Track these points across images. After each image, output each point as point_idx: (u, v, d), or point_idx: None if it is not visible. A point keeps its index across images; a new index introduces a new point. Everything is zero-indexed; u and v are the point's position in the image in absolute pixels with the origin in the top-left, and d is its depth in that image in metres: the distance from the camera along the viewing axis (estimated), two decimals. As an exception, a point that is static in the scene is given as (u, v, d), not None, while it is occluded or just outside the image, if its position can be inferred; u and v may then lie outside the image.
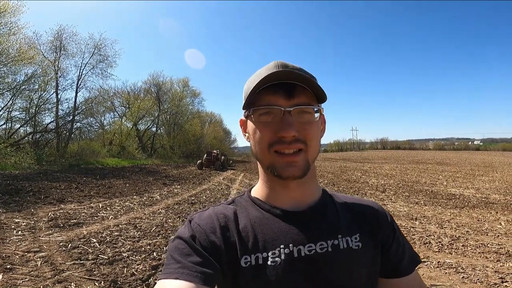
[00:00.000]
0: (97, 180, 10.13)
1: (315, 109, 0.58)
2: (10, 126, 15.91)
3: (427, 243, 3.98)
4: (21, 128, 16.41)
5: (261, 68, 0.60)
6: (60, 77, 17.45)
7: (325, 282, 0.54)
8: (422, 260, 3.39)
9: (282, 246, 0.55)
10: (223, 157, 19.41)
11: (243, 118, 0.63)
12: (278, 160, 0.55)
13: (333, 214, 0.62)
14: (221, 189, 9.84)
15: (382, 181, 10.98)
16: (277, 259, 0.54)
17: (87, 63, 19.09)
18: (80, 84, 18.80)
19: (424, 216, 5.46)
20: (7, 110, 15.10)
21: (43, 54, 16.76)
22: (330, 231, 0.59)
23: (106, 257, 3.28)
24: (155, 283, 0.50)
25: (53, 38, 17.69)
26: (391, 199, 7.20)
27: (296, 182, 0.58)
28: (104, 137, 22.58)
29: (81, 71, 18.96)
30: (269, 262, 0.53)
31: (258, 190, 0.64)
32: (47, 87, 16.54)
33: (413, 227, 4.73)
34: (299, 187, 0.60)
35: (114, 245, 3.73)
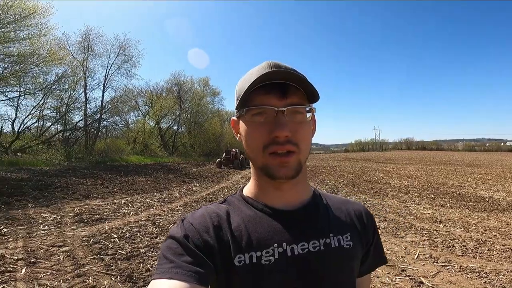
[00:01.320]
0: (121, 177, 10.53)
1: (307, 109, 0.58)
2: (42, 124, 16.89)
3: (450, 246, 3.80)
4: (52, 126, 17.37)
5: (253, 68, 0.60)
6: (88, 77, 18.26)
7: (317, 280, 0.55)
8: (443, 264, 3.24)
9: (275, 245, 0.55)
10: (241, 156, 19.51)
11: (235, 118, 0.64)
12: (271, 161, 0.55)
13: (324, 213, 0.63)
14: (239, 187, 9.87)
15: (406, 182, 10.57)
16: (271, 258, 0.54)
17: (113, 63, 19.87)
18: (106, 84, 19.60)
19: (449, 219, 5.20)
20: (39, 109, 16.02)
21: (72, 55, 17.53)
22: (322, 230, 0.60)
23: (124, 253, 3.40)
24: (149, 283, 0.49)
25: (81, 39, 18.49)
26: (414, 201, 6.92)
27: (288, 182, 0.58)
28: (129, 135, 23.43)
29: (107, 71, 19.77)
30: (263, 261, 0.53)
31: (251, 189, 0.64)
32: (76, 86, 17.39)
33: (436, 230, 4.52)
34: (291, 187, 0.60)
35: (133, 241, 3.85)
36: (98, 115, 18.89)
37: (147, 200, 6.71)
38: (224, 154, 19.29)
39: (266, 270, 0.53)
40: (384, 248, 3.54)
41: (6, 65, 12.39)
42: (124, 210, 5.58)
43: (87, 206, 5.77)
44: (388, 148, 75.52)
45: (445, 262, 3.29)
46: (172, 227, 0.58)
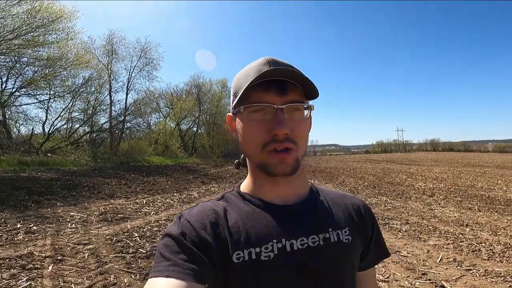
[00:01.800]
0: (143, 177, 10.88)
1: (305, 106, 0.58)
2: (70, 126, 17.79)
3: (476, 250, 3.63)
4: (80, 127, 18.26)
5: (250, 64, 0.59)
6: (112, 79, 18.95)
7: (317, 275, 0.55)
8: (468, 268, 3.10)
9: (274, 240, 0.55)
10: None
11: (231, 115, 0.63)
12: (270, 159, 0.55)
13: (322, 208, 0.63)
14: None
15: (431, 185, 10.14)
16: (270, 253, 0.54)
17: (135, 66, 20.53)
18: (129, 86, 20.26)
19: (476, 223, 4.94)
20: (68, 111, 16.90)
21: (97, 58, 18.22)
22: (321, 224, 0.60)
23: (144, 251, 3.51)
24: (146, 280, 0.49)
25: (105, 43, 19.15)
26: (439, 204, 6.62)
27: (286, 179, 0.58)
28: (151, 137, 24.14)
29: (130, 73, 20.43)
30: (262, 257, 0.53)
31: (248, 186, 0.64)
32: (102, 89, 18.08)
33: (462, 234, 4.32)
34: (288, 183, 0.60)
35: (153, 240, 3.97)
36: (122, 117, 19.60)
37: (167, 200, 6.88)
38: (243, 155, 19.45)
39: (266, 266, 0.53)
40: (405, 252, 3.44)
41: (36, 69, 13.03)
42: (146, 210, 5.76)
43: (111, 205, 6.01)
44: (412, 149, 72.67)
45: (469, 266, 3.14)
46: (169, 224, 0.58)
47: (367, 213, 0.68)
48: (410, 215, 5.55)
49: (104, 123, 19.08)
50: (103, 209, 5.64)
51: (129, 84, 20.24)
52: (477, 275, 2.93)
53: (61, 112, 16.53)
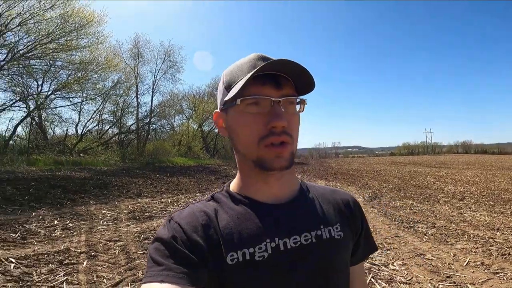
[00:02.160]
0: (167, 178, 11.26)
1: (298, 101, 0.59)
2: (101, 127, 18.74)
3: (506, 254, 3.47)
4: (109, 129, 19.17)
5: (241, 60, 0.59)
6: (139, 82, 19.63)
7: (312, 272, 0.55)
8: (495, 271, 2.98)
9: (268, 240, 0.54)
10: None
11: (218, 111, 0.62)
12: (267, 153, 0.55)
13: (313, 205, 0.63)
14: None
15: (461, 188, 9.68)
16: (264, 253, 0.53)
17: (159, 69, 21.19)
18: (154, 89, 20.94)
19: (508, 227, 4.69)
20: (99, 113, 17.80)
21: (125, 61, 18.91)
22: (313, 222, 0.60)
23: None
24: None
25: (132, 46, 19.89)
26: (470, 208, 6.33)
27: (277, 175, 0.58)
28: (174, 138, 24.89)
29: (155, 76, 21.11)
30: (256, 257, 0.52)
31: (237, 185, 0.63)
32: (129, 92, 18.79)
33: (492, 238, 4.13)
34: (279, 180, 0.60)
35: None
36: (148, 119, 20.34)
37: (191, 200, 7.11)
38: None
39: (260, 266, 0.52)
40: (430, 255, 3.36)
41: (70, 72, 13.68)
42: (170, 209, 6.00)
43: (138, 204, 6.32)
44: (441, 151, 69.30)
45: (497, 269, 3.02)
46: (159, 228, 0.55)
47: (357, 208, 0.69)
48: (438, 219, 5.36)
49: (132, 124, 19.90)
50: (132, 207, 5.94)
51: (154, 86, 20.94)
52: (505, 278, 2.82)
53: (93, 114, 17.46)
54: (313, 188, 0.68)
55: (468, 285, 2.69)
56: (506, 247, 3.69)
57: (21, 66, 11.82)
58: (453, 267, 3.15)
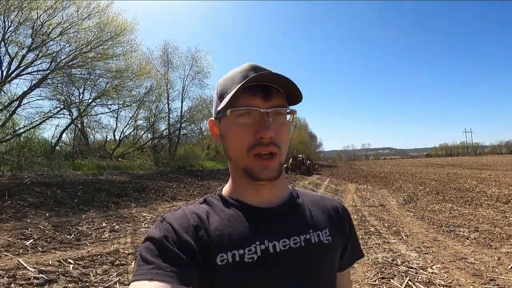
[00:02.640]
0: (198, 181, 11.66)
1: (288, 111, 0.60)
2: (136, 133, 19.75)
3: None
4: (143, 134, 20.12)
5: (234, 70, 0.61)
6: (169, 88, 20.12)
7: (300, 275, 0.56)
8: None
9: (257, 242, 0.55)
10: (308, 161, 19.38)
11: (213, 120, 0.64)
12: (255, 164, 0.56)
13: (303, 210, 0.64)
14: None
15: (507, 191, 9.02)
16: (253, 255, 0.54)
17: (188, 74, 21.61)
18: (184, 94, 21.39)
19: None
20: (134, 119, 18.77)
21: (156, 68, 19.41)
22: (302, 226, 0.61)
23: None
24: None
25: (161, 53, 20.36)
26: (516, 212, 5.92)
27: (268, 184, 0.60)
28: (203, 142, 25.60)
29: (184, 82, 21.50)
30: (245, 259, 0.53)
31: (229, 189, 0.65)
32: (161, 98, 19.33)
33: None
34: (270, 187, 0.62)
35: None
36: (179, 124, 21.04)
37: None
38: (291, 159, 19.46)
39: (250, 267, 0.53)
40: (472, 258, 3.25)
41: (107, 80, 14.41)
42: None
43: (174, 207, 6.64)
44: (483, 152, 64.46)
45: None
46: (151, 228, 0.58)
47: (345, 214, 0.70)
48: (481, 223, 5.08)
49: (164, 130, 20.70)
50: (168, 210, 6.26)
51: (184, 92, 21.47)
52: None
53: (129, 120, 18.48)
54: (303, 194, 0.70)
55: None
56: None
57: (64, 75, 12.60)
58: (497, 270, 3.03)
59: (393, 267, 3.19)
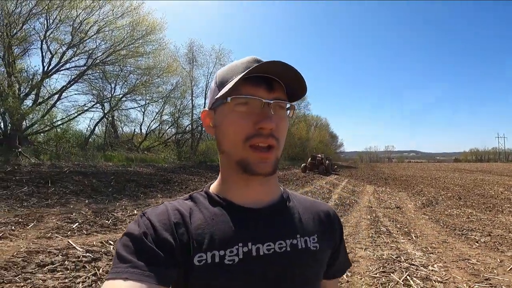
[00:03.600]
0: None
1: (288, 106, 0.59)
2: (161, 127, 20.69)
3: None
4: (168, 129, 21.04)
5: (236, 62, 0.60)
6: (193, 85, 20.89)
7: (282, 281, 0.54)
8: None
9: (240, 244, 0.53)
10: (327, 161, 19.37)
11: (207, 110, 0.63)
12: (252, 155, 0.54)
13: (292, 213, 0.62)
14: (323, 192, 10.14)
15: (534, 199, 8.75)
16: (234, 257, 0.52)
17: (211, 72, 22.05)
18: (207, 91, 22.20)
19: None
20: (160, 114, 19.66)
21: (182, 66, 20.03)
22: (289, 230, 0.59)
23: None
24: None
25: (187, 51, 21.07)
26: (538, 220, 5.84)
27: (260, 180, 0.58)
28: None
29: (207, 79, 22.07)
30: (226, 261, 0.51)
31: (217, 187, 0.63)
32: (185, 94, 20.09)
33: None
34: (262, 185, 0.60)
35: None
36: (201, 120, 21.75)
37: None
38: (310, 159, 19.54)
39: (229, 270, 0.51)
40: (475, 260, 3.42)
41: (137, 77, 15.26)
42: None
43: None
44: (517, 158, 60.62)
45: None
46: (130, 223, 0.56)
47: (336, 221, 0.68)
48: (496, 228, 5.11)
49: (187, 125, 21.49)
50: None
51: (207, 89, 22.19)
52: None
53: (155, 115, 19.40)
54: (294, 197, 0.68)
55: (503, 287, 2.73)
56: None
57: (99, 71, 13.53)
58: (495, 271, 3.16)
59: (396, 263, 3.41)
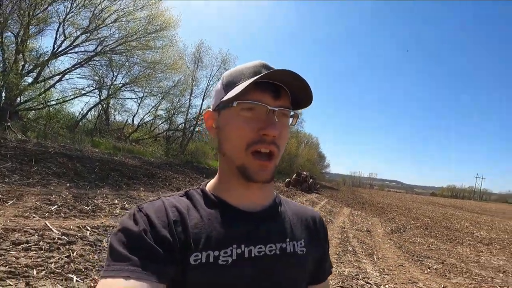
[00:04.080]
0: (204, 178, 12.20)
1: (291, 114, 0.60)
2: (154, 121, 20.59)
3: None
4: (161, 124, 20.92)
5: (244, 65, 0.60)
6: (194, 85, 20.87)
7: (271, 283, 0.56)
8: None
9: (234, 245, 0.55)
10: (311, 180, 19.74)
11: (210, 111, 0.63)
12: (252, 162, 0.55)
13: (283, 218, 0.64)
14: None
15: (494, 235, 9.36)
16: (228, 258, 0.53)
17: (214, 75, 22.02)
18: (206, 93, 22.07)
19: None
20: (156, 108, 19.50)
21: (186, 64, 20.00)
22: (280, 234, 0.61)
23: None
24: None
25: (194, 51, 21.08)
26: (491, 252, 6.36)
27: (259, 185, 0.59)
28: (214, 142, 26.26)
29: (209, 81, 22.01)
30: (220, 261, 0.53)
31: (215, 186, 0.63)
32: (185, 93, 20.05)
33: (492, 278, 4.45)
34: (259, 189, 0.61)
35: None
36: (195, 121, 21.76)
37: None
38: (295, 175, 19.89)
39: (223, 270, 0.52)
40: (422, 283, 3.84)
41: (141, 69, 15.25)
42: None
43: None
44: (489, 199, 63.22)
45: None
46: (123, 216, 0.55)
47: (323, 228, 0.71)
48: (450, 257, 5.55)
49: (181, 123, 21.40)
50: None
51: (207, 91, 22.08)
52: None
53: (151, 109, 19.27)
54: (286, 202, 0.70)
55: None
56: (499, 286, 3.94)
57: (106, 58, 13.51)
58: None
59: (353, 280, 3.75)
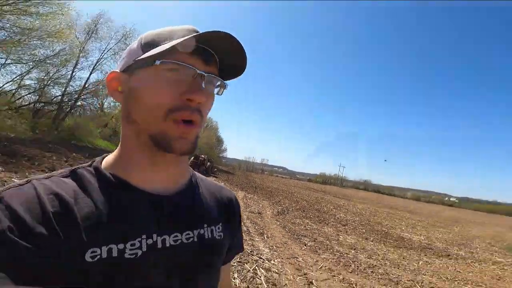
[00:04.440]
0: (85, 158, 10.67)
1: (217, 84, 0.54)
2: (18, 91, 16.44)
3: (347, 265, 4.72)
4: (27, 95, 16.92)
5: (172, 27, 0.53)
6: (82, 57, 18.15)
7: (190, 273, 0.52)
8: (334, 275, 4.15)
9: (144, 236, 0.47)
10: (209, 163, 20.06)
11: (117, 71, 0.53)
12: (172, 129, 0.48)
13: (200, 201, 0.59)
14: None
15: (349, 217, 11.81)
16: (137, 251, 0.45)
17: (110, 48, 19.98)
18: (96, 66, 19.59)
19: (363, 248, 6.23)
20: (22, 77, 15.74)
21: (75, 34, 17.40)
22: (197, 219, 0.56)
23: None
24: None
25: (90, 21, 18.65)
26: (346, 232, 8.01)
27: (172, 160, 0.53)
28: (101, 119, 23.10)
29: (102, 54, 19.80)
30: (126, 255, 0.44)
31: (114, 164, 0.53)
32: (68, 64, 17.14)
33: (346, 253, 5.48)
34: (171, 166, 0.54)
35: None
36: (77, 95, 18.78)
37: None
38: (193, 158, 19.75)
39: (131, 265, 0.45)
40: (301, 259, 4.51)
41: (8, 34, 12.17)
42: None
43: (53, 180, 6.12)
44: (347, 185, 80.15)
45: (336, 274, 4.22)
46: None
47: (237, 208, 0.69)
48: (320, 236, 6.75)
49: (56, 96, 18.02)
50: (45, 182, 5.76)
51: (97, 64, 19.63)
52: (337, 280, 4.03)
53: (15, 77, 15.37)
54: (203, 183, 0.64)
55: (313, 280, 3.82)
56: (351, 261, 5.06)
57: None
58: (311, 268, 4.31)
59: (249, 256, 4.17)
